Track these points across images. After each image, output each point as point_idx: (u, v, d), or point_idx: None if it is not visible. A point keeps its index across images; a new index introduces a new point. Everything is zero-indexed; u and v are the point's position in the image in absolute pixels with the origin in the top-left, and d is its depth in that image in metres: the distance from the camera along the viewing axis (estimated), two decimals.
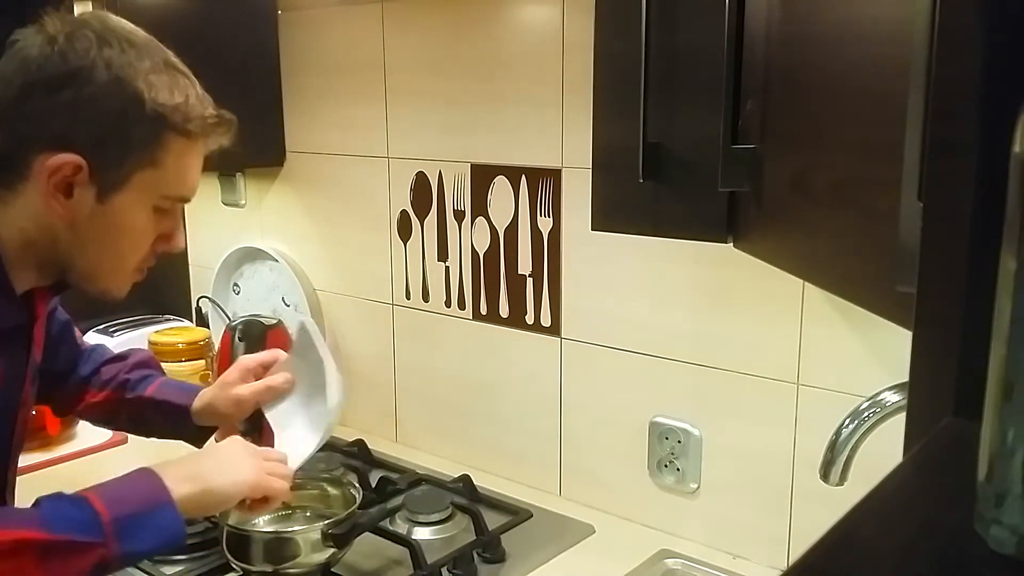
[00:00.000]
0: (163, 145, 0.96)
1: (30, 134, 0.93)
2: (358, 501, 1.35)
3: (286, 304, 1.99)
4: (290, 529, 1.35)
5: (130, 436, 1.81)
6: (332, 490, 1.42)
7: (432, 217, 1.73)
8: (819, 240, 0.85)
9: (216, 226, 2.12)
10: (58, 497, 0.93)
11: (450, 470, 1.69)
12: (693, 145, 1.02)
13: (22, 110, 0.92)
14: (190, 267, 2.22)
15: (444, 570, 1.35)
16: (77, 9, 1.55)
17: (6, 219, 0.96)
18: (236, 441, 1.12)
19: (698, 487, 1.46)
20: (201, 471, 1.02)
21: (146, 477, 0.98)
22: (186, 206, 1.08)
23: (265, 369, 1.23)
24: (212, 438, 1.22)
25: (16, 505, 1.08)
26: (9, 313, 0.99)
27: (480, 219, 1.66)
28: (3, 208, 0.96)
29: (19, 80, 0.92)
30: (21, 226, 0.96)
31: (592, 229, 1.14)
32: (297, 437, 1.19)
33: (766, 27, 0.93)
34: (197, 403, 1.22)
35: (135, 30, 0.97)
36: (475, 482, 1.61)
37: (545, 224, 1.58)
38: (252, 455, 1.08)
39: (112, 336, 1.95)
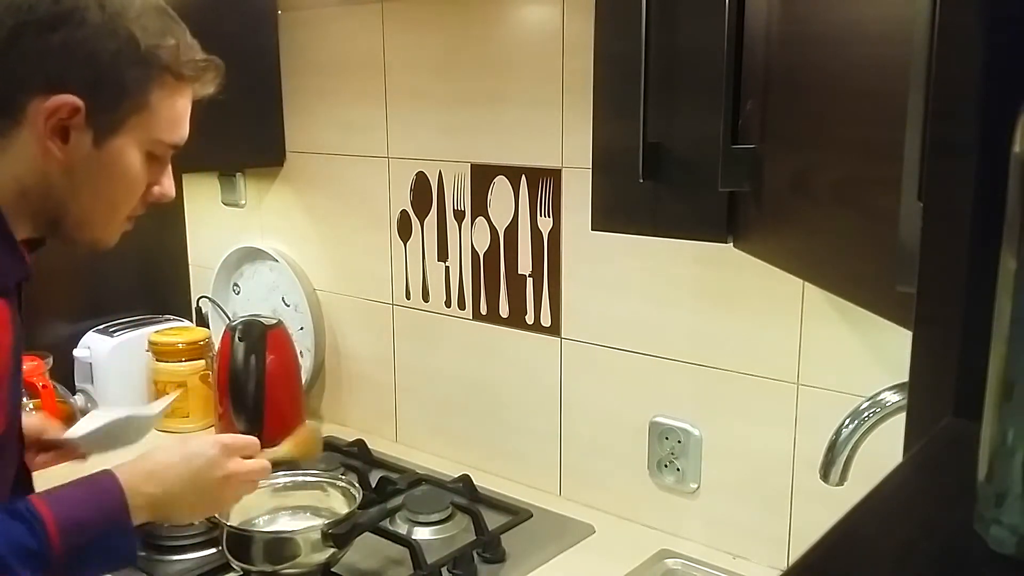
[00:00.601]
0: (157, 88, 0.95)
1: (23, 77, 0.90)
2: (358, 501, 1.35)
3: (286, 304, 1.99)
4: (290, 529, 1.35)
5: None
6: (332, 490, 1.42)
7: (432, 217, 1.73)
8: (819, 240, 0.85)
9: (216, 226, 2.12)
10: (16, 515, 0.90)
11: (450, 470, 1.69)
12: (693, 145, 1.02)
13: (14, 52, 0.90)
14: (190, 267, 2.22)
15: (444, 570, 1.35)
16: None
17: (2, 167, 0.94)
18: (211, 462, 1.06)
19: (698, 487, 1.46)
20: (172, 496, 1.01)
21: (108, 496, 0.96)
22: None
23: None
24: (195, 440, 1.14)
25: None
26: (15, 267, 0.97)
27: (480, 219, 1.66)
28: None
29: (10, 21, 0.90)
30: (16, 173, 0.94)
31: (592, 229, 1.14)
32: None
33: (766, 27, 0.93)
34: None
35: None
36: (475, 482, 1.61)
37: (545, 224, 1.58)
38: (223, 481, 1.06)
39: (112, 336, 1.95)
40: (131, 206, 1.01)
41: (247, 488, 1.12)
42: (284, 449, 1.28)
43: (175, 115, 0.99)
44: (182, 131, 1.01)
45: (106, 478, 0.98)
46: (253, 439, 1.14)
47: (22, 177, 0.94)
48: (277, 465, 1.24)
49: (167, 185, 1.04)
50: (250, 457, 1.12)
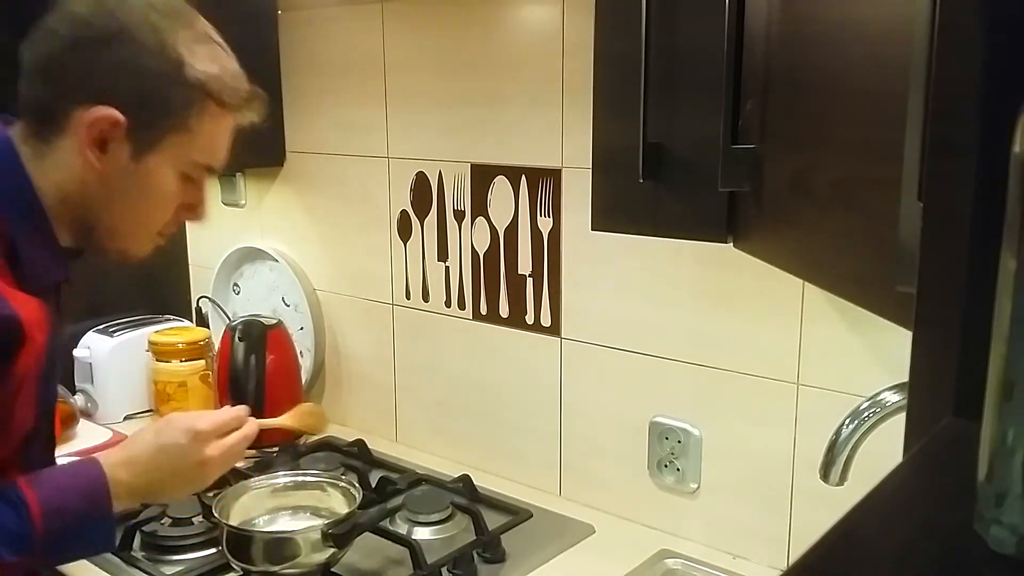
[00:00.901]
0: (198, 112, 0.98)
1: (72, 87, 0.94)
2: (358, 501, 1.35)
3: (286, 304, 1.99)
4: (290, 529, 1.35)
5: (129, 434, 1.82)
6: (332, 490, 1.42)
7: (432, 217, 1.73)
8: (819, 240, 0.85)
9: (216, 226, 2.12)
10: (3, 498, 0.92)
11: (450, 470, 1.69)
12: (693, 145, 1.02)
13: (66, 64, 0.94)
14: (190, 267, 2.22)
15: (444, 570, 1.35)
16: None
17: (43, 172, 0.97)
18: (184, 451, 1.06)
19: (698, 487, 1.46)
20: (151, 484, 1.03)
21: (93, 483, 0.98)
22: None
23: None
24: (161, 419, 1.15)
25: None
26: (56, 267, 1.01)
27: (480, 219, 1.66)
28: (40, 161, 0.97)
29: (66, 35, 0.94)
30: (57, 179, 0.97)
31: (592, 229, 1.14)
32: None
33: (766, 27, 0.93)
34: None
35: (181, 1, 1.00)
36: (475, 482, 1.61)
37: (545, 224, 1.58)
38: (200, 465, 1.07)
39: (112, 336, 1.95)
40: (162, 222, 1.04)
41: (231, 462, 1.12)
42: (285, 420, 1.29)
43: (214, 140, 1.02)
44: (219, 155, 1.04)
45: (91, 466, 1.00)
46: (235, 413, 1.13)
47: (62, 183, 0.97)
48: (274, 434, 1.22)
49: (201, 206, 1.07)
50: (233, 430, 1.12)
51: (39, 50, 0.96)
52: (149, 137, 0.97)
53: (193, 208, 1.06)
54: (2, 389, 0.92)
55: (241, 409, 1.15)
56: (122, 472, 1.01)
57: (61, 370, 1.09)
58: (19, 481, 0.94)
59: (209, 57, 0.98)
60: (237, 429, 1.12)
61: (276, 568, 1.26)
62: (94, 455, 1.02)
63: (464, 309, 1.72)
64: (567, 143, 1.52)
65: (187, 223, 1.10)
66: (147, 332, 1.96)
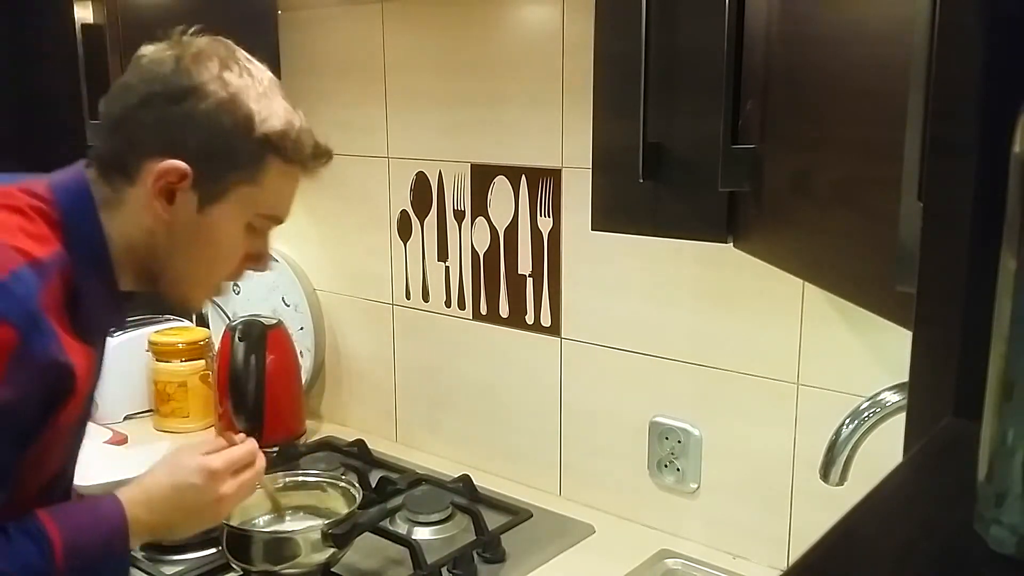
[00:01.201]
0: (265, 167, 1.00)
1: (144, 140, 0.97)
2: (358, 501, 1.35)
3: (286, 304, 1.99)
4: (290, 529, 1.35)
5: (130, 435, 1.82)
6: (332, 490, 1.42)
7: (432, 217, 1.73)
8: (819, 240, 0.85)
9: None
10: (27, 533, 0.93)
11: (450, 470, 1.69)
12: (693, 145, 1.02)
13: (140, 117, 0.97)
14: None
15: (444, 570, 1.35)
16: (77, 9, 1.55)
17: (113, 222, 0.99)
18: (200, 491, 1.06)
19: (698, 487, 1.46)
20: (168, 522, 1.04)
21: (113, 524, 0.99)
22: None
23: None
24: (171, 454, 1.12)
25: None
26: (114, 315, 1.04)
27: (480, 219, 1.66)
28: (110, 211, 0.99)
29: (142, 89, 0.97)
30: (126, 229, 1.00)
31: (592, 229, 1.14)
32: None
33: (766, 27, 0.93)
34: None
35: (254, 61, 1.04)
36: (475, 482, 1.61)
37: (545, 224, 1.58)
38: (215, 503, 1.07)
39: (112, 336, 1.94)
40: (226, 272, 1.07)
41: (244, 497, 1.12)
42: (270, 492, 1.32)
43: (280, 195, 1.04)
44: (285, 208, 1.06)
45: (112, 505, 1.00)
46: (245, 450, 1.12)
47: (131, 233, 1.00)
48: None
49: (264, 258, 1.09)
50: (246, 465, 1.12)
51: (115, 104, 0.99)
52: (215, 189, 0.99)
53: (257, 259, 1.08)
54: (43, 436, 0.93)
55: (251, 443, 1.15)
56: (140, 511, 1.01)
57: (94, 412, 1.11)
58: (42, 516, 0.95)
59: (278, 114, 1.01)
60: (249, 464, 1.12)
61: (276, 568, 1.26)
62: (114, 492, 1.02)
63: (464, 309, 1.72)
64: (567, 143, 1.52)
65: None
66: (147, 332, 1.96)
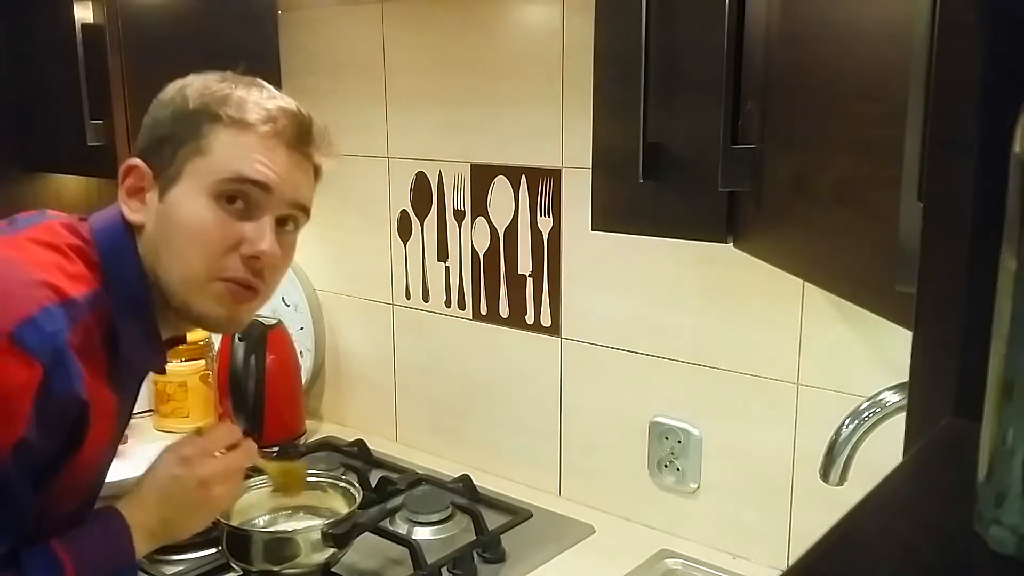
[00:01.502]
0: (209, 132, 0.98)
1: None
2: (358, 501, 1.35)
3: (286, 304, 1.99)
4: (290, 529, 1.35)
5: (130, 436, 1.81)
6: (332, 490, 1.42)
7: (432, 217, 1.73)
8: (819, 240, 0.85)
9: None
10: (38, 560, 0.93)
11: (450, 470, 1.69)
12: (693, 145, 1.02)
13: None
14: None
15: (444, 570, 1.35)
16: (77, 9, 1.55)
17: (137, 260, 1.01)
18: (180, 480, 1.05)
19: (698, 487, 1.46)
20: (165, 520, 1.04)
21: (118, 539, 1.00)
22: None
23: None
24: (161, 458, 1.09)
25: None
26: (153, 358, 1.04)
27: (480, 219, 1.66)
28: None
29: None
30: (147, 262, 1.00)
31: (592, 229, 1.14)
32: None
33: (766, 26, 0.93)
34: None
35: (269, 86, 1.05)
36: (475, 482, 1.61)
37: (545, 224, 1.58)
38: (201, 488, 1.05)
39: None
40: (210, 261, 0.97)
41: (233, 480, 1.10)
42: (272, 467, 1.30)
43: (233, 156, 0.98)
44: (243, 165, 0.97)
45: (116, 519, 1.01)
46: (222, 431, 1.12)
47: (145, 258, 1.00)
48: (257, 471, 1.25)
49: (255, 239, 0.98)
50: (229, 447, 1.10)
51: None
52: (170, 173, 0.99)
53: (252, 244, 0.98)
54: (60, 476, 0.93)
55: (224, 426, 1.15)
56: (136, 515, 1.02)
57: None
58: (53, 544, 0.95)
59: (215, 87, 1.00)
60: (233, 447, 1.10)
61: (276, 568, 1.26)
62: (111, 504, 1.04)
63: (464, 309, 1.72)
64: (567, 143, 1.52)
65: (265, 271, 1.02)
66: None
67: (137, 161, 1.00)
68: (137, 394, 1.09)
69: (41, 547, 0.94)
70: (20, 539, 0.91)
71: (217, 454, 1.08)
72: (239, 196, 0.98)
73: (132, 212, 1.00)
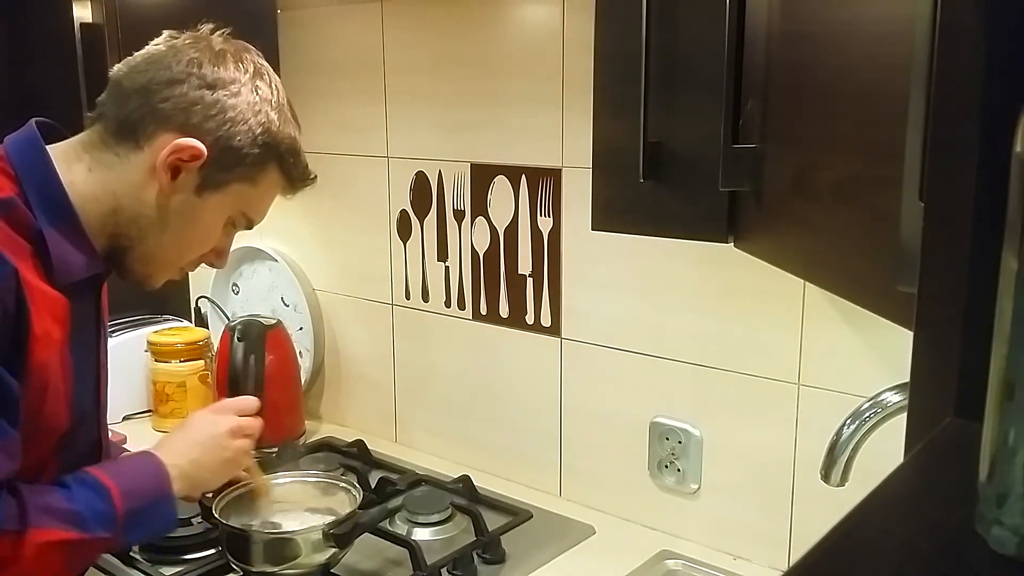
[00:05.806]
0: (265, 172, 1.07)
1: (168, 114, 1.01)
2: (358, 501, 1.35)
3: (285, 304, 1.99)
4: (290, 529, 1.35)
5: (128, 435, 1.82)
6: (332, 490, 1.41)
7: (432, 217, 1.73)
8: (820, 240, 0.85)
9: None
10: (86, 484, 1.00)
11: (450, 470, 1.69)
12: (693, 145, 1.02)
13: (170, 92, 1.01)
14: None
15: (444, 571, 1.35)
16: (76, 9, 1.55)
17: (104, 180, 1.02)
18: (213, 422, 1.18)
19: (698, 488, 1.45)
20: (195, 462, 1.13)
21: (155, 469, 1.08)
22: None
23: None
24: (190, 416, 1.24)
25: None
26: (90, 264, 1.03)
27: (480, 219, 1.66)
28: (104, 170, 1.02)
29: (177, 69, 1.01)
30: (116, 190, 1.02)
31: (592, 229, 1.14)
32: None
33: (767, 26, 0.93)
34: None
35: (281, 84, 1.11)
36: (475, 482, 1.61)
37: (545, 224, 1.58)
38: (229, 436, 1.18)
39: (112, 336, 1.94)
40: (192, 258, 1.11)
41: (251, 439, 1.21)
42: (258, 475, 1.34)
43: (265, 201, 1.11)
44: (262, 215, 1.12)
45: (151, 457, 1.09)
46: (241, 399, 1.26)
47: (121, 196, 1.02)
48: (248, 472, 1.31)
49: (224, 255, 1.14)
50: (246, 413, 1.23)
51: (141, 74, 1.02)
52: (218, 178, 1.04)
53: (218, 255, 1.13)
54: (24, 384, 0.94)
55: (250, 397, 1.27)
56: (169, 456, 1.09)
57: (106, 375, 1.15)
58: (94, 471, 1.03)
59: (290, 131, 1.08)
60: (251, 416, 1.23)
61: (276, 569, 1.26)
62: (147, 449, 1.12)
63: (464, 309, 1.72)
64: (567, 143, 1.51)
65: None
66: (146, 332, 1.96)
67: (203, 150, 1.01)
68: (100, 309, 1.09)
69: (84, 473, 1.01)
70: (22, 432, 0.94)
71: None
72: (238, 226, 1.11)
73: (162, 185, 1.01)
